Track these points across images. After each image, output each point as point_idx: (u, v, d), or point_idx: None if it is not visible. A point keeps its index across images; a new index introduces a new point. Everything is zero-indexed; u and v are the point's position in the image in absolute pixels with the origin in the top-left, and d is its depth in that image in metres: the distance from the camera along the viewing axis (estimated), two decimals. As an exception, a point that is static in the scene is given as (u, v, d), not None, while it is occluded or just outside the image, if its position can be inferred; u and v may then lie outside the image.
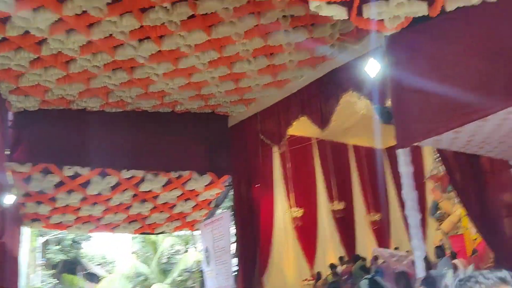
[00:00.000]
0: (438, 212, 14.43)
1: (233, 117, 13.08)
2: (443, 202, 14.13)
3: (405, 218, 15.62)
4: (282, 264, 12.79)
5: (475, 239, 12.65)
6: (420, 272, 5.32)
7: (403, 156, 5.67)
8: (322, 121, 10.48)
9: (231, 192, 13.55)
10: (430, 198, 15.03)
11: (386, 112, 6.26)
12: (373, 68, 6.61)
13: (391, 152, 16.51)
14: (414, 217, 5.60)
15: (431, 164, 15.07)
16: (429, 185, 15.03)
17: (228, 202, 22.32)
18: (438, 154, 8.20)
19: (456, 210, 13.58)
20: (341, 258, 11.99)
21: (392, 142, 16.04)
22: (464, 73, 5.10)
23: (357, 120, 14.04)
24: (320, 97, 10.59)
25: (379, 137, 15.65)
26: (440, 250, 8.90)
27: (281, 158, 13.52)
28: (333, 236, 14.20)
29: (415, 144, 5.74)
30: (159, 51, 8.92)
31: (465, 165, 7.71)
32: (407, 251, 13.65)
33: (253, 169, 12.59)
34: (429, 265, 8.29)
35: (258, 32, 8.78)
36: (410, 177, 5.69)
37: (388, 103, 6.59)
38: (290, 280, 12.80)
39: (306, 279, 12.64)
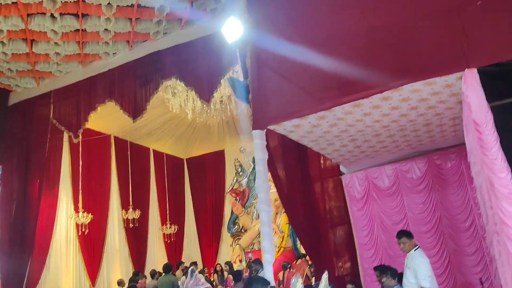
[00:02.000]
0: (235, 227, 14.05)
1: (17, 93, 10.48)
2: (242, 216, 13.81)
3: (199, 233, 15.09)
4: (58, 279, 10.42)
5: (272, 255, 12.54)
6: (269, 278, 4.30)
7: (259, 139, 4.65)
8: (135, 109, 8.92)
9: None
10: (227, 213, 14.60)
11: (243, 87, 5.21)
12: (230, 31, 5.49)
13: (191, 163, 15.78)
14: (266, 212, 4.60)
15: (233, 177, 14.74)
16: (229, 199, 14.62)
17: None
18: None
19: (255, 226, 13.38)
20: (153, 272, 10.26)
21: (195, 152, 15.47)
22: (341, 44, 4.41)
23: (165, 122, 12.82)
24: (135, 81, 9.06)
25: (183, 146, 14.78)
26: (259, 262, 8.11)
27: (72, 152, 11.30)
28: (121, 249, 12.39)
29: (273, 127, 4.80)
30: None
31: (294, 170, 7.16)
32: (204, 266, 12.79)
33: (34, 160, 10.16)
34: (239, 277, 7.43)
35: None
36: (265, 165, 4.69)
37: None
38: (65, 298, 10.52)
39: (86, 298, 10.56)
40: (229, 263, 10.21)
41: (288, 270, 9.77)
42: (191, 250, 14.77)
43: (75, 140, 9.58)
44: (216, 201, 14.90)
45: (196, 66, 8.47)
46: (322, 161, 7.14)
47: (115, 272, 12.08)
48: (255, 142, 4.67)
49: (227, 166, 15.11)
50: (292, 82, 4.55)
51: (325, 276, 4.36)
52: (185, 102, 11.32)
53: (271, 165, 7.49)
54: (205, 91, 8.36)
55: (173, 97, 11.32)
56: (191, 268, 8.42)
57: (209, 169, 15.31)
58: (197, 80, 8.42)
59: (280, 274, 9.79)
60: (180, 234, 14.42)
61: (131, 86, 9.09)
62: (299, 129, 4.92)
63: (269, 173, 5.26)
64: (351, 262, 6.79)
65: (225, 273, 12.16)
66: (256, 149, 4.66)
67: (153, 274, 10.00)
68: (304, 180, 7.16)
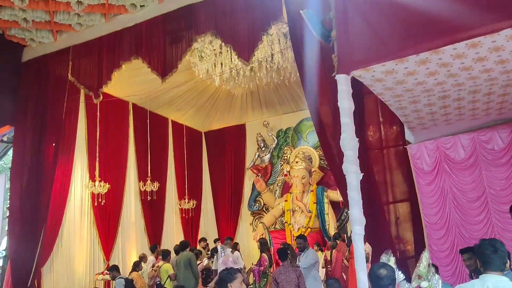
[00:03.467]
0: (257, 205, 13.29)
1: (32, 49, 9.64)
2: (265, 194, 13.02)
3: (216, 209, 14.32)
4: (71, 252, 9.68)
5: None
6: (360, 260, 3.47)
7: (344, 85, 3.79)
8: (165, 67, 8.07)
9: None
10: (247, 190, 13.83)
11: (320, 23, 4.36)
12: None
13: (209, 137, 14.96)
14: (354, 174, 3.78)
15: (254, 153, 13.95)
16: (249, 176, 13.83)
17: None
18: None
19: (278, 204, 12.60)
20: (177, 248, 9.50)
21: (214, 126, 14.59)
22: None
23: (186, 90, 11.95)
24: (165, 37, 8.20)
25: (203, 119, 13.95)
26: (303, 240, 7.37)
27: (89, 116, 10.48)
28: (137, 222, 11.65)
29: (361, 71, 3.93)
30: None
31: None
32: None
33: (49, 122, 9.35)
34: (285, 255, 6.68)
35: None
36: (351, 117, 3.84)
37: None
38: (79, 272, 9.76)
39: (102, 272, 9.78)
40: (262, 241, 9.39)
41: (335, 249, 9.09)
42: (208, 227, 14.04)
43: (95, 101, 8.75)
44: (236, 177, 14.09)
45: (235, 21, 7.62)
46: (382, 128, 6.30)
47: (131, 246, 11.38)
48: (340, 88, 3.81)
49: (248, 141, 14.28)
50: (391, 15, 3.68)
51: (426, 254, 3.57)
52: (212, 67, 10.44)
53: (321, 134, 6.66)
54: (245, 49, 7.51)
55: (200, 61, 10.45)
56: (220, 245, 7.70)
57: (228, 144, 14.48)
58: (236, 36, 7.56)
59: (328, 253, 9.15)
60: (197, 210, 13.67)
61: (160, 43, 8.24)
62: (390, 77, 4.04)
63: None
64: (416, 243, 5.99)
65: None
66: (341, 97, 3.81)
67: (177, 250, 9.23)
68: (359, 149, 6.30)
